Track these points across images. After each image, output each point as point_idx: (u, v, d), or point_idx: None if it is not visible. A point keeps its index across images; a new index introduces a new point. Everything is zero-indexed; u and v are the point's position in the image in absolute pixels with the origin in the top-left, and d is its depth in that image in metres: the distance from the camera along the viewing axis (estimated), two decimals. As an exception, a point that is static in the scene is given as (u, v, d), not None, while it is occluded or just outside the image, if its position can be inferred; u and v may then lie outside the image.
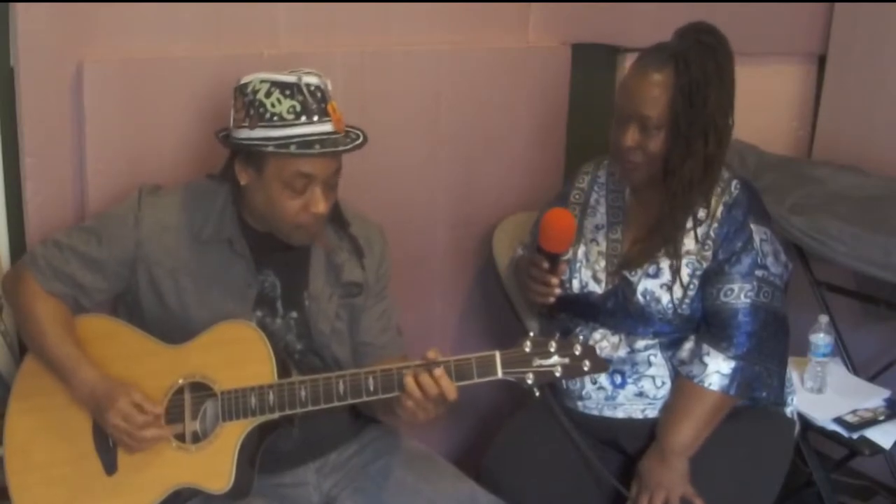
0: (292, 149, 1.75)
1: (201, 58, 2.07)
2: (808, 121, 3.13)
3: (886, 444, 2.27)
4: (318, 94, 1.78)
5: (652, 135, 1.95)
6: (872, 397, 2.42)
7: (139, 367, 1.81)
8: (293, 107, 1.76)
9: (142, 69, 2.05)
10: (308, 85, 1.77)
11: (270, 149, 1.75)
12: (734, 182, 2.05)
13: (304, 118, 1.76)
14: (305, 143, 1.76)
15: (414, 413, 1.71)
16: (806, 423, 2.32)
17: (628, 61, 2.63)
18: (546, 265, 1.94)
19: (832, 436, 2.31)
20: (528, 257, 1.96)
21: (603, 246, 2.09)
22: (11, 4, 1.91)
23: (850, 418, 2.32)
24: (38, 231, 2.00)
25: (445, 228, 2.57)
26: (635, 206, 2.11)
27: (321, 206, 1.80)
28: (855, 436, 2.28)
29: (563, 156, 2.72)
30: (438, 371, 1.67)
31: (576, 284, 2.09)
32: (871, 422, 2.31)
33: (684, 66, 1.91)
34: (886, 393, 2.44)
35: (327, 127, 1.78)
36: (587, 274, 2.08)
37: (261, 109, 1.76)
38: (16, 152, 1.99)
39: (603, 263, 2.08)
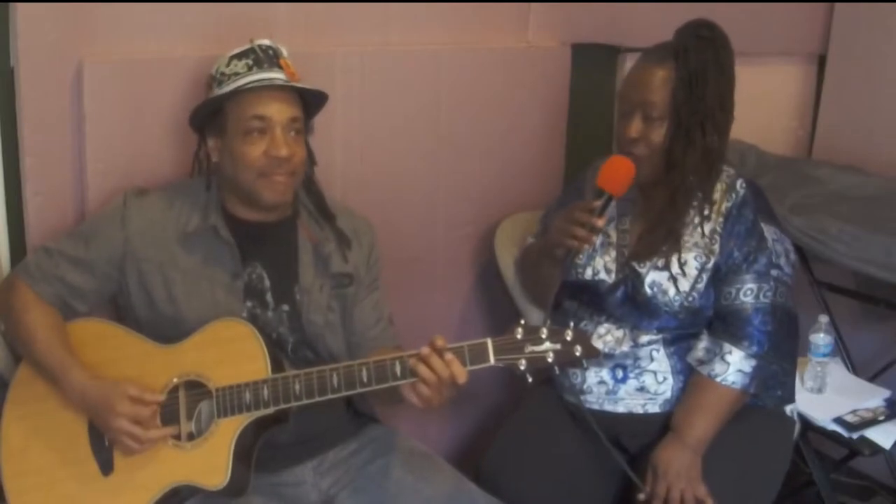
0: (244, 87, 1.83)
1: (201, 58, 2.07)
2: (808, 121, 3.13)
3: (886, 444, 2.27)
4: (271, 52, 1.88)
5: (655, 126, 1.98)
6: (872, 397, 2.42)
7: (134, 368, 1.81)
8: (246, 64, 1.86)
9: (142, 69, 2.05)
10: (260, 45, 1.88)
11: (225, 90, 1.84)
12: (739, 181, 2.07)
13: (255, 69, 1.85)
14: (256, 81, 1.84)
15: (429, 399, 1.72)
16: (806, 423, 2.32)
17: (628, 61, 2.65)
18: (598, 203, 1.93)
19: (832, 436, 2.31)
20: (581, 203, 1.97)
21: (613, 237, 2.11)
22: (11, 4, 1.91)
23: (850, 418, 2.32)
24: (38, 231, 2.01)
25: (445, 228, 2.57)
26: (641, 201, 2.12)
27: (282, 149, 1.84)
28: (855, 436, 2.28)
29: (563, 156, 2.72)
30: (449, 356, 1.69)
31: (588, 272, 2.10)
32: (871, 422, 2.31)
33: (684, 59, 1.96)
34: (886, 393, 2.44)
35: (279, 75, 1.86)
36: (600, 263, 2.10)
37: (219, 77, 1.87)
38: (16, 152, 1.99)
39: (613, 254, 2.10)
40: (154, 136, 2.10)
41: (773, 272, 2.02)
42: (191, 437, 1.78)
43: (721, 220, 2.03)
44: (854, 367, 2.66)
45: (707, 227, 2.04)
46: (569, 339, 1.72)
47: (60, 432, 1.82)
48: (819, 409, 2.35)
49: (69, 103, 2.00)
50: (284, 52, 1.91)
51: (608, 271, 2.09)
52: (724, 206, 2.04)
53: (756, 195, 2.07)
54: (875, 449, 2.27)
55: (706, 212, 2.04)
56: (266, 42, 1.90)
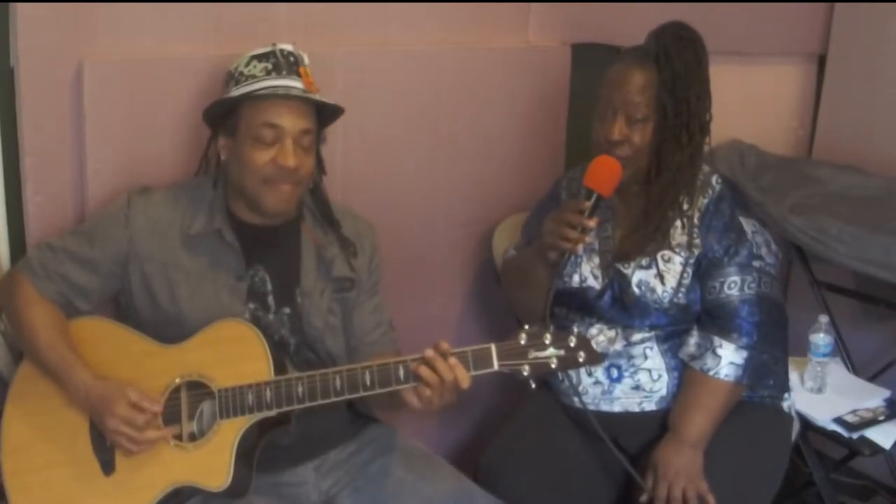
0: (259, 93, 1.82)
1: (201, 58, 2.08)
2: (808, 121, 3.13)
3: (886, 444, 2.28)
4: (291, 58, 1.87)
5: (638, 128, 1.99)
6: (872, 397, 2.42)
7: (136, 367, 1.81)
8: (265, 67, 1.85)
9: (142, 69, 2.05)
10: (282, 50, 1.87)
11: (238, 93, 1.83)
12: (714, 177, 2.09)
13: (273, 74, 1.84)
14: (272, 89, 1.83)
15: (431, 402, 1.72)
16: (806, 423, 2.32)
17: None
18: (588, 204, 1.94)
19: (832, 436, 2.32)
20: (571, 204, 1.98)
21: (595, 244, 2.11)
22: (11, 4, 1.91)
23: (850, 418, 2.33)
24: (38, 231, 2.01)
25: (445, 228, 2.57)
26: (619, 205, 2.13)
27: (289, 159, 1.83)
28: (855, 436, 2.28)
29: (563, 156, 2.72)
30: (452, 360, 1.70)
31: (576, 279, 2.10)
32: (871, 422, 2.32)
33: (666, 60, 1.97)
34: (886, 393, 2.44)
35: (297, 84, 1.85)
36: (586, 269, 2.10)
37: (237, 76, 1.86)
38: (16, 152, 1.99)
39: (597, 260, 2.10)
40: (154, 136, 2.10)
41: (756, 263, 2.03)
42: (192, 437, 1.78)
43: (699, 215, 2.04)
44: (854, 367, 2.67)
45: (687, 224, 2.04)
46: (572, 344, 1.72)
47: (62, 431, 1.82)
48: (819, 409, 2.36)
49: (69, 103, 1.99)
50: (306, 59, 1.89)
51: (595, 277, 2.09)
52: (701, 201, 2.05)
53: (732, 190, 2.10)
54: (875, 449, 2.28)
55: (686, 208, 2.04)
56: (288, 47, 1.88)
